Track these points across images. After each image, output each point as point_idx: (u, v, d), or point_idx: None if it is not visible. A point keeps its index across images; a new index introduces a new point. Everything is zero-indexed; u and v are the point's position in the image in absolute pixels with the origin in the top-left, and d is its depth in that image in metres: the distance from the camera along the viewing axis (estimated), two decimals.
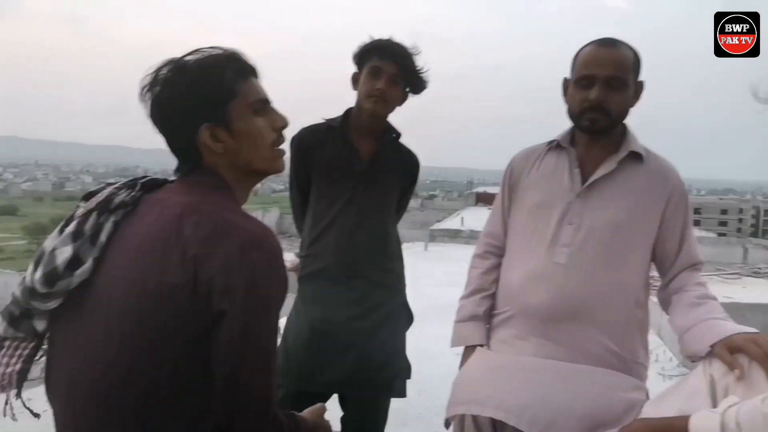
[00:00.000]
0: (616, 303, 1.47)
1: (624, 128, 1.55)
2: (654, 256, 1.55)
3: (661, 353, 4.55)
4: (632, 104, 1.51)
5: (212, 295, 0.90)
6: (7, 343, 1.03)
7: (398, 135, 1.88)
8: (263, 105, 1.05)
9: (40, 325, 1.01)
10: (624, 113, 1.50)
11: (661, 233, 1.51)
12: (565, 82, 1.55)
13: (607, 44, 1.46)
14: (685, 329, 1.38)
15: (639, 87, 1.51)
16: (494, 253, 1.68)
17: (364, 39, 1.79)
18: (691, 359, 1.35)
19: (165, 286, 0.90)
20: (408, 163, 1.92)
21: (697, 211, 59.28)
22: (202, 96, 0.99)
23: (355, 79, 1.79)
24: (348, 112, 1.84)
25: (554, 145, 1.59)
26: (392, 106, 1.79)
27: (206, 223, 0.93)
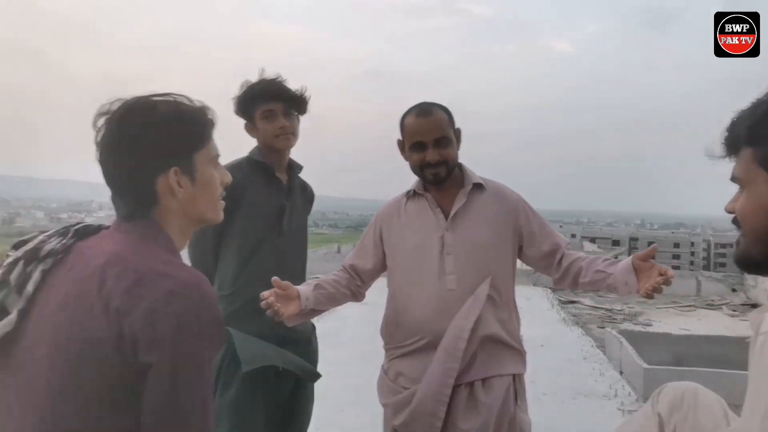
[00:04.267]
0: (500, 308, 1.75)
1: (460, 166, 1.82)
2: (535, 261, 1.83)
3: (620, 388, 4.53)
4: (458, 148, 1.79)
5: (137, 349, 0.87)
6: None
7: (300, 168, 2.05)
8: (218, 160, 1.08)
9: None
10: (456, 159, 1.77)
11: (530, 240, 1.80)
12: (400, 142, 1.81)
13: (425, 113, 1.73)
14: (606, 275, 1.66)
15: (458, 134, 1.79)
16: (350, 274, 1.90)
17: (234, 91, 1.93)
18: (625, 291, 1.60)
19: (88, 341, 0.87)
20: (310, 193, 2.12)
21: (650, 245, 61.11)
22: (178, 140, 1.00)
23: (249, 127, 1.96)
24: (256, 151, 1.97)
25: (411, 194, 1.84)
26: (297, 136, 1.96)
27: (130, 273, 0.90)
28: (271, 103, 1.88)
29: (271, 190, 1.93)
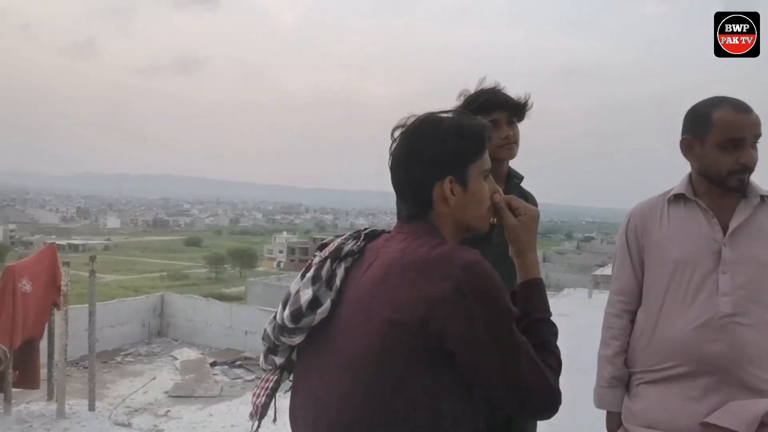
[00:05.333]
0: None
1: None
2: None
3: None
4: None
5: (445, 333, 0.96)
6: (260, 376, 1.19)
7: (521, 178, 1.97)
8: (488, 173, 1.13)
9: (279, 359, 1.15)
10: None
11: None
12: (690, 140, 1.60)
13: (746, 109, 1.54)
14: None
15: None
16: (628, 311, 1.72)
17: (453, 102, 1.89)
18: None
19: (396, 324, 0.97)
20: (531, 204, 1.96)
21: None
22: (456, 152, 1.08)
23: None
24: None
25: (674, 198, 1.66)
26: (518, 145, 1.90)
27: (425, 263, 1.00)
28: (495, 113, 1.84)
29: None
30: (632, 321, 1.71)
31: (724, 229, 1.57)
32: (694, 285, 1.56)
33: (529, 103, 1.92)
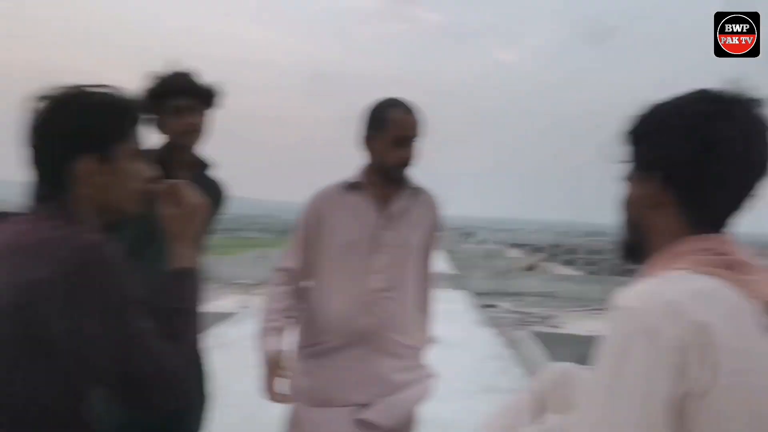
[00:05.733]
0: (416, 311, 1.86)
1: None
2: None
3: (526, 384, 4.81)
4: None
5: (50, 317, 0.89)
6: None
7: (208, 166, 1.95)
8: (140, 154, 1.09)
9: None
10: None
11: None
12: (370, 137, 1.74)
13: (412, 110, 1.74)
14: None
15: None
16: (288, 283, 1.84)
17: (140, 83, 1.79)
18: None
19: None
20: (216, 192, 1.95)
21: (571, 251, 63.57)
22: (101, 129, 1.02)
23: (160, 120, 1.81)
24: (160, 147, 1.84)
25: (349, 186, 1.81)
26: (205, 132, 1.87)
27: (36, 245, 0.93)
28: (181, 98, 1.78)
29: None
30: (293, 293, 1.82)
31: (385, 215, 1.76)
32: (356, 265, 1.74)
33: (218, 91, 1.87)
